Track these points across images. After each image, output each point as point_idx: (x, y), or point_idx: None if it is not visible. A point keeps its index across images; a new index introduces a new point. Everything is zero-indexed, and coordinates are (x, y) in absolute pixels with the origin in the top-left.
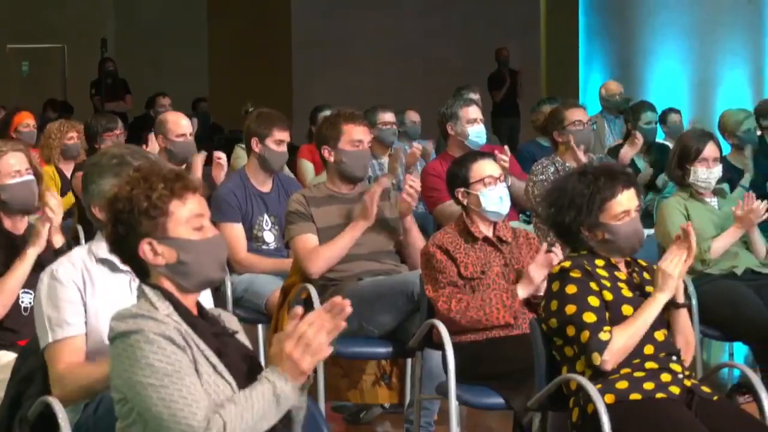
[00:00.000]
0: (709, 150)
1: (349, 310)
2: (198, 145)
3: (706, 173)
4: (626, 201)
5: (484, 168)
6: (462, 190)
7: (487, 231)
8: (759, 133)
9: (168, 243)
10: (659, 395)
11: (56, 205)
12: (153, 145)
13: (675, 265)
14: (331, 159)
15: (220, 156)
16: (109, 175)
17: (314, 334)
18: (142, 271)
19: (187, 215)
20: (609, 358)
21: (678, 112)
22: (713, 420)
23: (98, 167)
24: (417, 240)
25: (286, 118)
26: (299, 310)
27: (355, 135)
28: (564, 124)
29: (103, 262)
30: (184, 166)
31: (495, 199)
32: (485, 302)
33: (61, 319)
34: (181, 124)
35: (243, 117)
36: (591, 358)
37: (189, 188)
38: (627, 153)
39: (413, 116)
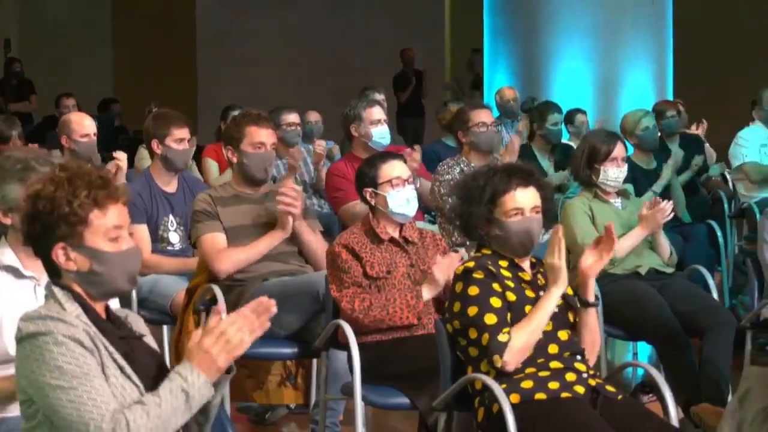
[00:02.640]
0: (619, 150)
1: (274, 310)
2: (101, 147)
3: (617, 172)
4: (521, 199)
5: (393, 169)
6: (370, 190)
7: (393, 232)
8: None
9: (82, 251)
10: (564, 395)
11: None
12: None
13: (558, 256)
14: (235, 160)
15: (119, 156)
16: (14, 180)
17: (235, 332)
18: (54, 270)
19: (106, 226)
20: (510, 359)
21: (584, 112)
22: (618, 419)
23: (2, 172)
24: (313, 242)
25: (182, 116)
26: (222, 306)
27: (258, 137)
28: (468, 125)
29: (6, 269)
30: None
31: (402, 200)
32: (389, 302)
33: None
34: (84, 125)
35: (146, 117)
36: (492, 360)
37: (112, 197)
38: (504, 159)
39: (313, 116)
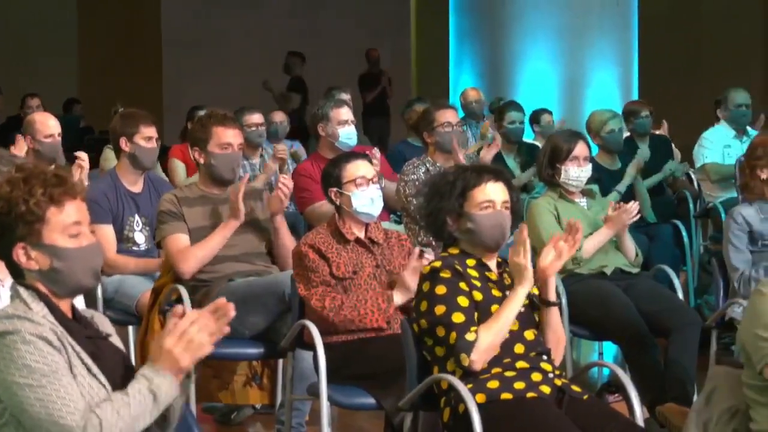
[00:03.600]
0: (580, 149)
1: (232, 314)
2: (66, 147)
3: (578, 172)
4: (491, 192)
5: (358, 169)
6: (335, 190)
7: (359, 232)
8: (627, 134)
9: (42, 249)
10: (530, 395)
11: None
12: (21, 145)
13: (524, 255)
14: (202, 161)
15: (81, 156)
16: None
17: (197, 332)
18: (16, 271)
19: (64, 223)
20: (477, 358)
21: (550, 112)
22: (583, 419)
23: None
24: (286, 240)
25: (150, 115)
26: (180, 308)
27: (225, 138)
28: (434, 126)
29: None
30: (53, 167)
31: (366, 200)
32: (360, 303)
33: None
34: (48, 125)
35: (112, 117)
36: (459, 359)
37: (69, 194)
38: (486, 155)
39: (278, 117)
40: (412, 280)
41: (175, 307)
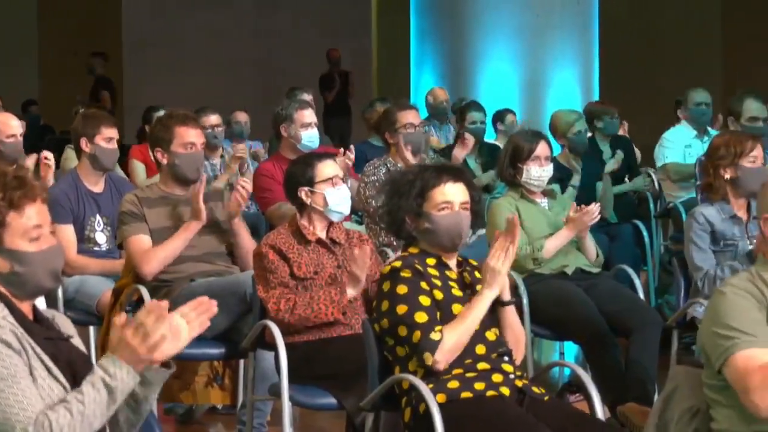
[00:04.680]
0: (541, 149)
1: (214, 310)
2: (27, 147)
3: (539, 171)
4: (450, 193)
5: (331, 168)
6: (306, 189)
7: (320, 232)
8: (589, 134)
9: (2, 254)
10: (490, 393)
11: None
12: None
13: (502, 262)
14: (165, 161)
15: (47, 156)
16: None
17: (153, 322)
18: None
19: (25, 227)
20: (441, 358)
21: (513, 113)
22: (545, 419)
23: None
24: (246, 241)
25: (111, 116)
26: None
27: (188, 138)
28: (395, 126)
29: None
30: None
31: (340, 198)
32: (313, 300)
33: None
34: (11, 125)
35: (74, 117)
36: (423, 358)
37: (29, 197)
38: (458, 153)
39: (241, 116)
40: (359, 270)
41: (150, 301)
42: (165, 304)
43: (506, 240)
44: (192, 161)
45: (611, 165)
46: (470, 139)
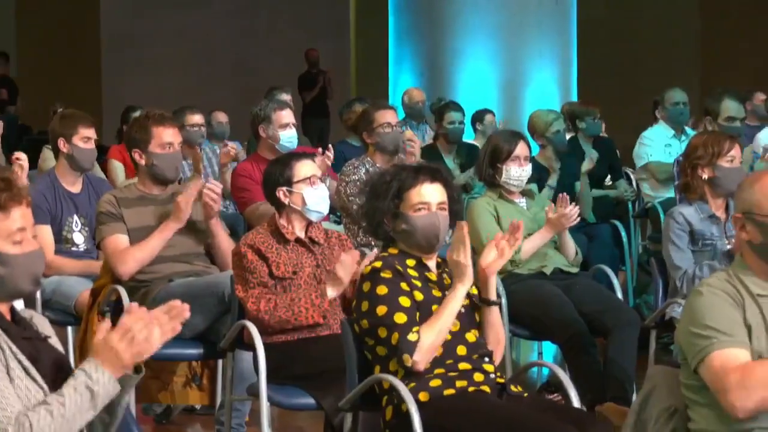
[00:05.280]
0: (521, 149)
1: (187, 315)
2: (5, 148)
3: (519, 171)
4: (426, 193)
5: (309, 167)
6: (284, 188)
7: (299, 232)
8: (571, 134)
9: None
10: (472, 389)
11: None
12: None
13: (463, 254)
14: (143, 162)
15: (20, 156)
16: None
17: (140, 329)
18: None
19: (9, 229)
20: (419, 358)
21: (492, 113)
22: (526, 412)
23: None
24: (224, 242)
25: (89, 116)
26: (135, 307)
27: (165, 138)
28: (373, 126)
29: None
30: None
31: (319, 198)
32: (294, 302)
33: None
34: None
35: (51, 117)
36: (402, 359)
37: (16, 200)
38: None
39: (221, 117)
40: (344, 273)
41: (131, 305)
42: (158, 314)
43: (463, 231)
44: (170, 161)
45: (586, 165)
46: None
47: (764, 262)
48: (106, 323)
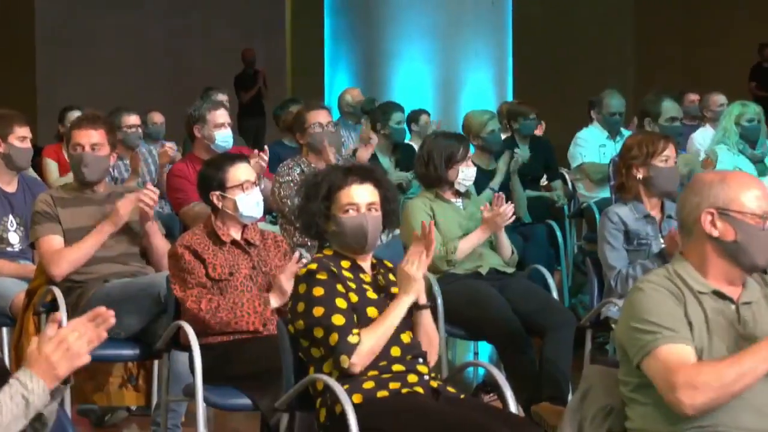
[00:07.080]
0: (468, 149)
1: (112, 321)
2: None
3: (470, 172)
4: (356, 195)
5: (242, 172)
6: (217, 193)
7: (235, 234)
8: (506, 134)
9: None
10: (405, 391)
11: None
12: None
13: (417, 267)
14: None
15: None
16: None
17: (75, 339)
18: None
19: None
20: (357, 361)
21: (428, 113)
22: (461, 413)
23: None
24: (159, 243)
25: (23, 115)
26: (59, 315)
27: (75, 139)
28: (305, 126)
29: None
30: None
31: (252, 204)
32: (237, 305)
33: None
34: None
35: None
36: (339, 360)
37: None
38: (362, 154)
39: (157, 117)
40: (288, 284)
41: (55, 314)
42: (85, 320)
43: (422, 244)
44: (74, 161)
45: (513, 164)
46: (374, 140)
47: (730, 260)
48: (51, 329)
